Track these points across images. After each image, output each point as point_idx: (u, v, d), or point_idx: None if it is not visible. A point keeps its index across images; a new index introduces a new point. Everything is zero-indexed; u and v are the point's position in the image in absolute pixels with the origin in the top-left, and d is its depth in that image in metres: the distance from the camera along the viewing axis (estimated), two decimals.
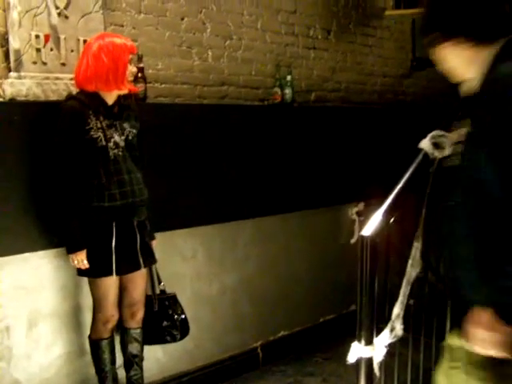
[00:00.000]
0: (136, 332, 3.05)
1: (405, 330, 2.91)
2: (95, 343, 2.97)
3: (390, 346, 2.82)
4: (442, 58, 1.69)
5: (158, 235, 3.14)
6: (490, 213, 1.53)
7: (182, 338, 3.23)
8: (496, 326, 1.52)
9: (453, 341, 1.81)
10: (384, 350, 2.85)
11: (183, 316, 3.22)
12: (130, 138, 2.88)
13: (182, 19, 3.52)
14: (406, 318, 2.95)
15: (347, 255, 3.83)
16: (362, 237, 2.81)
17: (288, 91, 3.97)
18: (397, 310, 2.89)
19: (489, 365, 1.64)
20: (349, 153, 4.30)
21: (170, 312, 3.20)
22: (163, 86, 3.44)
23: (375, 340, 2.91)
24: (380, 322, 2.94)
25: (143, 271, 3.00)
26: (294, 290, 4.15)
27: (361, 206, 4.33)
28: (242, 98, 3.87)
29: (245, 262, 3.85)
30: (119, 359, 3.08)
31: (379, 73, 4.74)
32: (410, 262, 2.85)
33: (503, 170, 1.49)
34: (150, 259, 3.02)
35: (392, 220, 2.83)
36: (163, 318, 3.18)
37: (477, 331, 1.57)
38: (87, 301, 2.98)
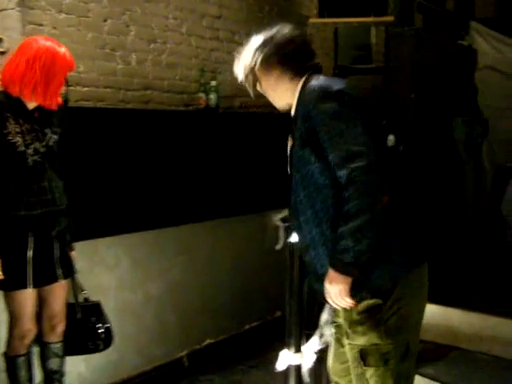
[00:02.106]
0: (56, 346, 2.91)
1: None
2: (11, 360, 2.79)
3: (320, 352, 2.83)
4: (267, 89, 2.19)
5: (80, 244, 3.02)
6: (322, 198, 2.00)
7: (105, 348, 3.10)
8: (335, 278, 1.93)
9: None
10: (313, 357, 2.86)
11: (107, 325, 3.10)
12: (51, 144, 2.73)
13: (105, 21, 3.42)
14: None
15: (273, 262, 3.83)
16: (290, 243, 2.81)
17: (213, 96, 3.94)
18: (325, 316, 2.90)
19: (363, 319, 2.01)
20: (274, 158, 4.29)
21: (93, 320, 3.07)
22: (85, 89, 3.32)
23: (304, 347, 2.92)
24: (309, 328, 2.95)
25: (63, 282, 2.86)
26: (220, 297, 4.11)
27: (285, 212, 4.33)
28: (166, 102, 3.79)
29: (170, 271, 3.78)
30: (38, 376, 2.93)
31: None
32: None
33: (323, 163, 1.97)
34: (69, 270, 2.89)
35: None
36: (86, 327, 3.05)
37: (326, 287, 1.98)
38: (3, 315, 2.82)
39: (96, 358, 3.21)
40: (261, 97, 4.43)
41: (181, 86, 3.89)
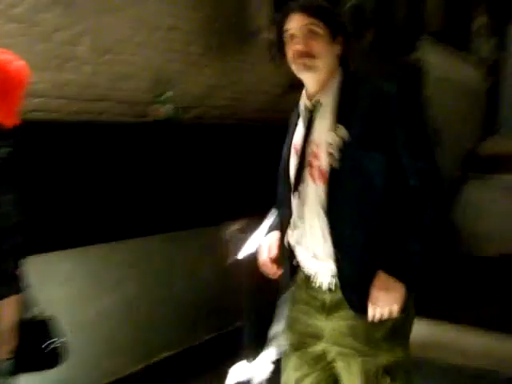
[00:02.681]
0: (5, 365, 2.83)
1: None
2: None
3: (276, 363, 2.84)
4: (321, 52, 1.96)
5: (32, 258, 2.95)
6: (374, 206, 1.91)
7: (58, 365, 3.03)
8: (393, 286, 1.86)
9: None
10: (270, 367, 2.87)
11: (60, 341, 3.03)
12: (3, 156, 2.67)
13: (58, 31, 3.37)
14: None
15: (227, 274, 3.82)
16: (246, 256, 2.82)
17: (167, 108, 3.93)
18: (278, 327, 2.91)
19: (389, 334, 1.95)
20: (229, 169, 4.32)
21: (46, 336, 3.00)
22: (37, 100, 3.26)
23: (260, 358, 2.93)
24: (265, 340, 2.96)
25: (7, 300, 2.79)
26: (176, 310, 4.08)
27: (240, 224, 4.34)
28: (120, 114, 3.76)
29: (124, 284, 3.74)
30: None
31: (257, 91, 4.80)
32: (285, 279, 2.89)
33: (388, 169, 1.87)
34: (16, 286, 2.81)
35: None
36: (38, 344, 2.98)
37: (378, 295, 1.87)
38: None
39: (49, 375, 3.14)
40: (216, 108, 4.47)
41: (135, 98, 3.86)
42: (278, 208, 2.22)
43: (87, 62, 3.56)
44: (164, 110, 3.91)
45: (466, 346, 3.38)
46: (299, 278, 2.13)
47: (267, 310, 2.99)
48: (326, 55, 1.94)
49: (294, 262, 2.13)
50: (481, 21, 7.71)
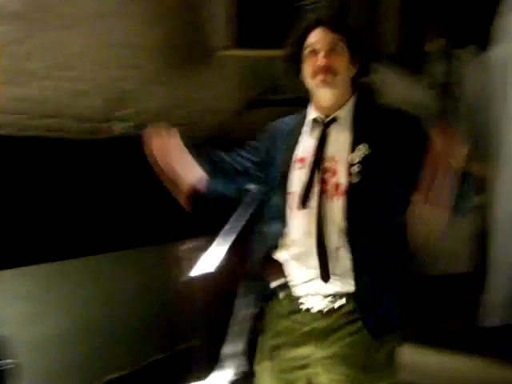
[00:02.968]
0: None
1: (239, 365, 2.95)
2: None
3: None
4: (342, 69, 1.98)
5: None
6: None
7: None
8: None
9: None
10: None
11: (12, 362, 2.97)
12: None
13: (10, 45, 3.33)
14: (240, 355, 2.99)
15: (179, 293, 3.80)
16: (197, 276, 2.82)
17: (119, 126, 3.91)
18: (228, 349, 2.90)
19: (387, 360, 1.92)
20: None
21: None
22: None
23: (212, 378, 2.92)
24: (218, 360, 2.94)
25: None
26: (126, 330, 4.04)
27: (192, 242, 4.33)
28: (72, 131, 3.73)
29: (71, 305, 3.68)
30: None
31: (213, 110, 4.80)
32: (238, 300, 2.89)
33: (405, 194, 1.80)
34: None
35: (224, 259, 2.87)
36: None
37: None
38: None
39: None
40: (172, 126, 4.44)
41: (87, 115, 3.83)
42: (268, 222, 2.06)
43: (40, 78, 3.52)
44: (117, 128, 3.89)
45: (418, 364, 3.41)
46: (278, 302, 2.03)
47: (220, 329, 2.99)
48: (346, 73, 1.96)
49: (275, 284, 2.02)
50: (437, 44, 7.88)
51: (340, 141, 1.92)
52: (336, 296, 1.90)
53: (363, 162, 1.87)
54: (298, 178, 1.96)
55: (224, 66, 4.79)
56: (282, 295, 2.00)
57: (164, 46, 4.38)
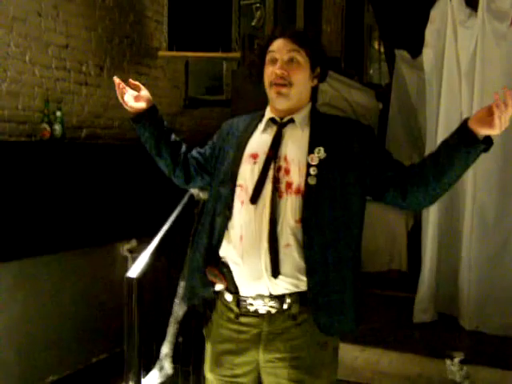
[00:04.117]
0: None
1: (175, 365, 2.96)
2: None
3: None
4: (301, 81, 2.02)
5: None
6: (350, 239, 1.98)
7: None
8: None
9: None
10: None
11: None
12: None
13: None
14: (176, 355, 3.01)
15: (120, 293, 3.80)
16: (128, 278, 2.81)
17: (57, 127, 3.88)
18: (165, 349, 2.92)
19: (333, 357, 1.98)
20: (120, 189, 4.29)
21: None
22: None
23: (144, 381, 2.92)
24: (149, 362, 2.95)
25: None
26: (65, 332, 4.00)
27: (133, 242, 4.33)
28: (6, 133, 3.68)
29: (9, 307, 3.63)
30: None
31: None
32: (176, 301, 2.91)
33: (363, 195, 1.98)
34: None
35: (159, 260, 2.88)
36: None
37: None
38: None
39: None
40: (110, 128, 4.44)
41: (23, 116, 3.79)
42: (212, 215, 2.01)
43: None
44: (53, 129, 3.85)
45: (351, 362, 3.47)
46: (223, 305, 1.99)
47: (157, 330, 3.00)
48: (303, 84, 1.99)
49: (219, 286, 1.97)
50: (375, 47, 8.07)
51: (295, 142, 1.96)
52: (284, 296, 1.88)
53: (320, 165, 1.90)
54: (248, 173, 1.95)
55: (163, 68, 4.81)
56: (227, 297, 1.96)
57: (102, 48, 4.37)
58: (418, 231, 3.87)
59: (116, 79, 2.10)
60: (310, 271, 1.85)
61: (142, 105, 2.11)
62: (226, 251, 1.94)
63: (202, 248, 2.01)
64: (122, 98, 2.10)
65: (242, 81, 3.52)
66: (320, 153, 1.91)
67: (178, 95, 4.96)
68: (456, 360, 3.03)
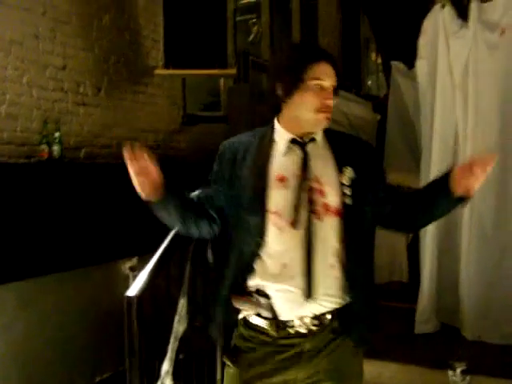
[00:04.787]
0: None
1: (177, 382, 2.96)
2: None
3: None
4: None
5: None
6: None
7: None
8: None
9: None
10: None
11: None
12: None
13: None
14: (177, 373, 3.00)
15: (122, 312, 3.81)
16: (127, 297, 2.82)
17: (56, 148, 3.91)
18: (166, 366, 2.92)
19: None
20: (121, 208, 4.31)
21: None
22: None
23: None
24: (151, 380, 2.95)
25: None
26: (68, 351, 4.01)
27: (134, 260, 4.34)
28: (6, 154, 3.71)
29: (12, 327, 3.65)
30: None
31: (151, 128, 4.84)
32: (176, 318, 2.91)
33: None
34: None
35: (158, 276, 2.89)
36: None
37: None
38: None
39: None
40: (109, 147, 4.47)
41: (22, 138, 3.82)
42: (241, 243, 1.94)
43: None
44: (52, 150, 3.88)
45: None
46: (249, 330, 1.95)
47: (159, 348, 3.00)
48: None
49: (246, 313, 1.94)
50: (372, 59, 8.12)
51: (322, 162, 1.94)
52: (325, 314, 1.90)
53: (352, 185, 1.90)
54: (281, 198, 1.89)
55: (160, 85, 4.84)
56: (259, 322, 1.92)
57: (99, 69, 4.41)
58: (418, 242, 3.88)
59: (128, 154, 1.87)
60: (352, 287, 1.90)
61: (156, 182, 1.95)
62: (262, 279, 1.90)
63: (228, 280, 1.96)
64: (141, 180, 1.93)
65: (238, 97, 3.55)
66: (350, 173, 1.92)
67: (176, 112, 4.99)
68: (458, 370, 3.02)
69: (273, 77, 1.99)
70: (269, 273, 1.88)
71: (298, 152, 1.94)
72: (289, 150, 1.95)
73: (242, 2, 5.79)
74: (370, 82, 8.02)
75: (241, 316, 1.96)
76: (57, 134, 3.93)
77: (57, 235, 3.89)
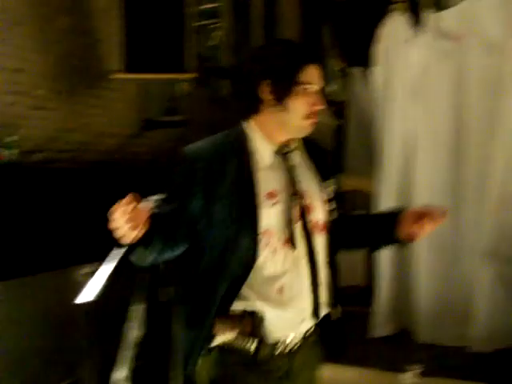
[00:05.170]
0: None
1: None
2: None
3: None
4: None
5: None
6: None
7: None
8: None
9: None
10: None
11: None
12: None
13: None
14: (136, 379, 2.97)
15: (78, 319, 3.75)
16: (79, 304, 2.78)
17: (12, 152, 3.84)
18: (121, 373, 2.89)
19: None
20: (76, 212, 4.25)
21: None
22: None
23: None
24: None
25: None
26: (23, 361, 3.92)
27: (90, 267, 4.28)
28: None
29: None
30: None
31: (109, 133, 4.79)
32: (129, 324, 2.89)
33: None
34: None
35: (112, 283, 2.86)
36: None
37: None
38: None
39: None
40: (65, 152, 4.41)
41: None
42: (229, 268, 1.76)
43: None
44: (7, 154, 3.81)
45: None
46: (228, 356, 1.80)
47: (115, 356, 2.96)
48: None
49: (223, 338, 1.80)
50: (333, 64, 8.17)
51: (304, 174, 1.84)
52: (307, 331, 1.85)
53: (334, 198, 1.87)
54: (273, 216, 1.75)
55: (117, 90, 4.80)
56: (246, 346, 1.78)
57: (56, 72, 4.35)
58: None
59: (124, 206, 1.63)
60: (333, 302, 1.87)
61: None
62: (254, 303, 1.76)
63: (213, 306, 1.78)
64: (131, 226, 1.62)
65: (197, 102, 3.55)
66: (331, 186, 1.87)
67: (135, 117, 4.95)
68: (412, 373, 3.06)
69: (258, 75, 1.80)
70: (262, 297, 1.76)
71: (282, 164, 1.82)
72: (273, 161, 1.82)
73: (204, 6, 5.78)
74: (334, 88, 8.07)
75: (217, 342, 1.81)
76: (13, 138, 3.86)
77: (8, 241, 3.81)
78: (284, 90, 1.76)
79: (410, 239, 1.85)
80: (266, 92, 1.78)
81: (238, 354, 1.78)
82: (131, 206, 1.61)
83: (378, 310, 3.63)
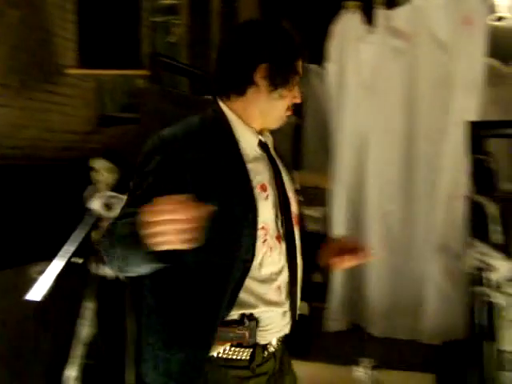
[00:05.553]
0: None
1: None
2: None
3: None
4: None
5: None
6: None
7: None
8: None
9: None
10: None
11: None
12: None
13: None
14: (87, 378, 2.96)
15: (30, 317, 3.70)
16: (28, 301, 2.76)
17: None
18: (71, 372, 2.87)
19: None
20: (29, 210, 4.19)
21: None
22: None
23: None
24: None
25: None
26: None
27: (42, 265, 4.23)
28: None
29: None
30: None
31: (64, 129, 4.72)
32: (81, 322, 2.87)
33: None
34: None
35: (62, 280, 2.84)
36: None
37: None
38: None
39: None
40: (18, 148, 4.34)
41: None
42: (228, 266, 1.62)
43: None
44: None
45: None
46: (219, 370, 1.67)
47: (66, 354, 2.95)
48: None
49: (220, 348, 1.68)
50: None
51: (282, 167, 1.80)
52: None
53: (300, 190, 1.83)
54: (267, 210, 1.67)
55: (73, 85, 4.73)
56: (240, 354, 1.69)
57: (7, 67, 4.26)
58: None
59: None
60: (302, 297, 1.82)
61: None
62: (251, 303, 1.66)
63: (216, 319, 1.64)
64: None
65: (149, 99, 3.52)
66: (296, 178, 1.84)
67: (91, 113, 4.89)
68: (365, 366, 3.10)
69: (257, 56, 1.70)
70: (260, 295, 1.67)
71: (263, 155, 1.76)
72: (256, 154, 1.74)
73: (161, 2, 5.74)
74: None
75: (212, 353, 1.68)
76: None
77: None
78: (281, 76, 1.69)
79: (328, 267, 1.84)
80: (260, 75, 1.69)
81: (233, 366, 1.68)
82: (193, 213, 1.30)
83: (331, 305, 3.67)
